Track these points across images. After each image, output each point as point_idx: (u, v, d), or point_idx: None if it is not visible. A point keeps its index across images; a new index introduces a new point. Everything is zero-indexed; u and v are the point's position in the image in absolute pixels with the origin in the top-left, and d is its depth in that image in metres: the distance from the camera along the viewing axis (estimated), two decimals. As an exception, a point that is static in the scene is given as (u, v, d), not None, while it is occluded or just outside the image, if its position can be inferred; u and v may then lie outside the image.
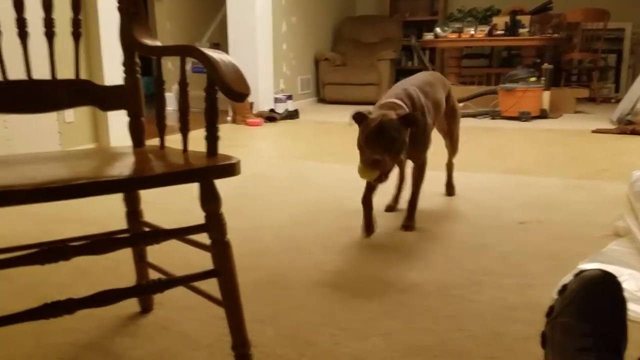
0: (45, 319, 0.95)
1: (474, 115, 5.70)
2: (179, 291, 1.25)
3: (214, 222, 1.08)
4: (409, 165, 2.24)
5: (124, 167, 1.08)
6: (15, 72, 1.24)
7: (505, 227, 2.18)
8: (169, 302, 1.52)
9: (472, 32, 6.34)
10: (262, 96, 5.81)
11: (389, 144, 1.80)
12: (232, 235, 1.14)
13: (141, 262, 1.45)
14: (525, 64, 6.08)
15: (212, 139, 1.09)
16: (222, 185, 1.09)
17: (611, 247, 1.89)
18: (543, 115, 5.50)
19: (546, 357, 0.87)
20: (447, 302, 1.54)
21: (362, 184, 2.03)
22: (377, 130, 1.80)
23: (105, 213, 2.35)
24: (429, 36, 6.64)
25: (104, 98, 1.32)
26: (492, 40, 6.37)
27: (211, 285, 1.15)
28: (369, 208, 2.06)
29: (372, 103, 3.30)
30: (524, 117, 5.35)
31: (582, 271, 0.90)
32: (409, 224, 2.16)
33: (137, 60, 1.34)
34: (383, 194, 2.32)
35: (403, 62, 8.08)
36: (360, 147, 1.89)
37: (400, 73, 7.48)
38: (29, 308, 0.94)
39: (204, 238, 1.13)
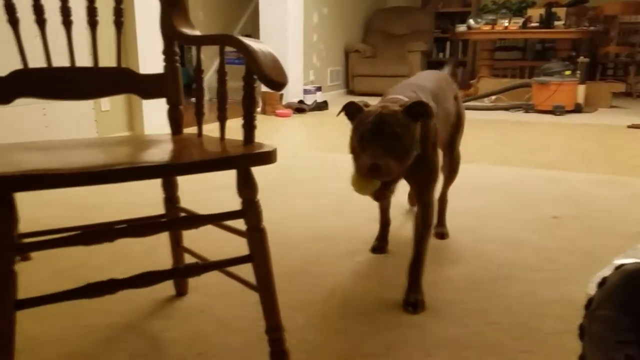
0: (88, 299, 0.98)
1: (506, 109, 5.62)
2: (213, 277, 1.28)
3: (251, 209, 1.10)
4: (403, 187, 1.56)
5: (163, 154, 1.11)
6: (55, 60, 1.26)
7: (539, 222, 2.15)
8: (203, 288, 1.56)
9: (506, 24, 6.24)
10: (291, 87, 5.83)
11: (392, 143, 1.30)
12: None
13: (178, 247, 1.48)
14: (560, 57, 5.96)
15: (249, 127, 1.11)
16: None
17: (647, 244, 1.86)
18: (577, 109, 5.39)
19: (583, 349, 0.87)
20: (475, 296, 1.53)
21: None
22: (376, 126, 1.31)
23: (136, 202, 2.40)
24: (461, 28, 6.56)
25: (144, 86, 1.35)
26: (526, 32, 6.26)
27: (244, 273, 1.17)
28: (384, 224, 1.91)
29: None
30: (558, 111, 5.25)
31: (622, 264, 0.89)
32: (414, 298, 1.47)
33: (177, 49, 1.37)
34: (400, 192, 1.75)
35: (434, 54, 8.00)
36: (353, 150, 1.42)
37: (432, 65, 7.40)
38: (73, 287, 0.97)
39: (238, 225, 1.14)
